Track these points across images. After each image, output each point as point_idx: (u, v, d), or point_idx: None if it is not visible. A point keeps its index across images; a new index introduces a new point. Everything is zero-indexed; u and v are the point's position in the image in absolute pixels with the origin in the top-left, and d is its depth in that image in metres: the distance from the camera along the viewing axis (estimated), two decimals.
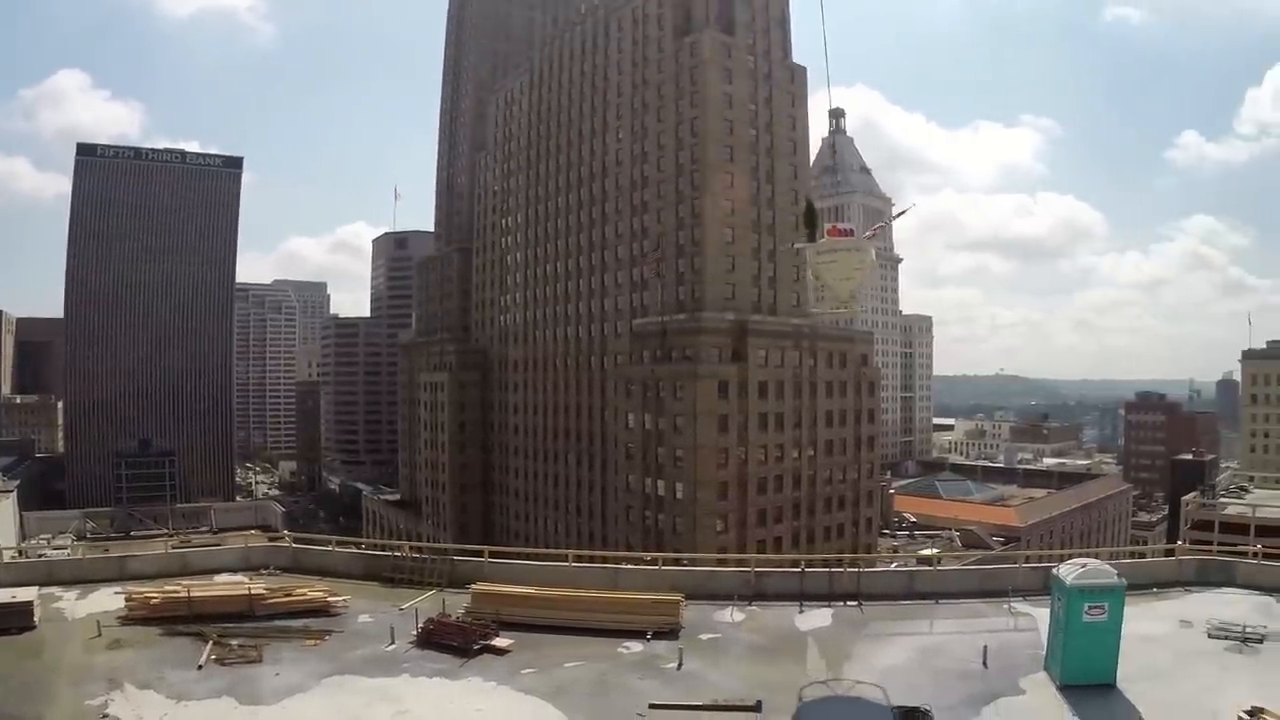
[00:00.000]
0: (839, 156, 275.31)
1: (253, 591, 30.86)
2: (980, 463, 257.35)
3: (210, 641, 26.88)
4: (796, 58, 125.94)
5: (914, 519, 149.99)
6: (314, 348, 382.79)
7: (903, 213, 38.96)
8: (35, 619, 29.13)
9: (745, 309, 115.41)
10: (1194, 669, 25.71)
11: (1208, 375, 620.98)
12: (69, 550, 51.04)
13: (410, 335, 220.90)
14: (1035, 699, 23.33)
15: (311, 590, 31.51)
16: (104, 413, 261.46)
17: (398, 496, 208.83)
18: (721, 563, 58.14)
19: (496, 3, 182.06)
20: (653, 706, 22.46)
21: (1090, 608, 23.99)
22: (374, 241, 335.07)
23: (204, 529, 73.20)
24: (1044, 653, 25.99)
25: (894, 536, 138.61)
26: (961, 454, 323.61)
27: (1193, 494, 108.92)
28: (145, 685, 23.63)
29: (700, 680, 24.50)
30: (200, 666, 25.18)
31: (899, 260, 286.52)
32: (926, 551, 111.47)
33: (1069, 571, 24.81)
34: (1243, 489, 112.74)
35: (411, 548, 36.49)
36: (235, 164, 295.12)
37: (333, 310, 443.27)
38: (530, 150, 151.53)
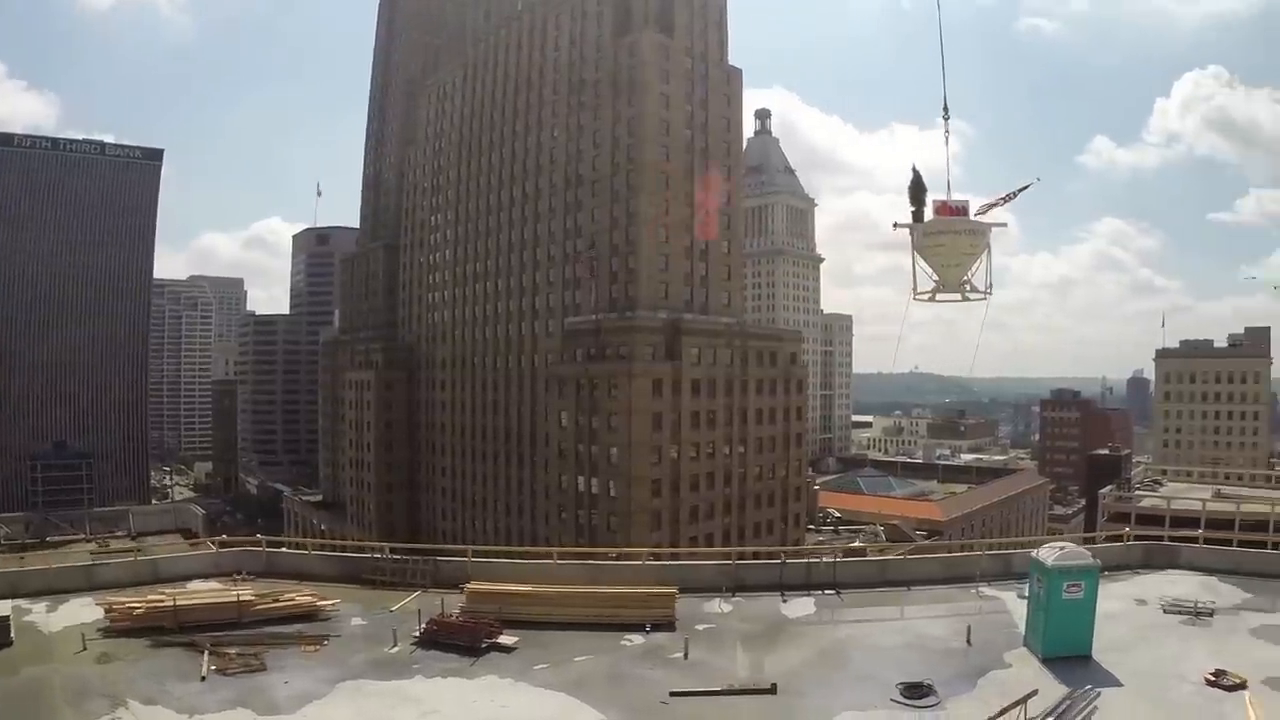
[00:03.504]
0: (765, 157, 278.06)
1: (241, 598, 30.21)
2: (900, 459, 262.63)
3: (205, 651, 26.18)
4: (731, 59, 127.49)
5: (838, 514, 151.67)
6: (231, 345, 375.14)
7: (1025, 188, 35.20)
8: (10, 634, 27.69)
9: (678, 308, 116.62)
10: (1157, 640, 27.80)
11: (1119, 373, 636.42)
12: None
13: (332, 333, 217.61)
14: (1022, 671, 24.71)
15: (299, 595, 31.07)
16: (14, 412, 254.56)
17: (320, 497, 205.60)
18: (691, 555, 59.07)
19: None
20: (674, 694, 23.04)
21: (1069, 586, 25.71)
22: (294, 237, 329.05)
23: (121, 534, 70.70)
24: (1019, 631, 27.67)
25: (819, 532, 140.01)
26: (880, 450, 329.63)
27: (1109, 487, 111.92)
28: (150, 700, 22.99)
29: (709, 668, 25.16)
30: (203, 678, 24.54)
31: (820, 260, 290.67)
32: (854, 545, 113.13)
33: (1049, 554, 26.47)
34: (1157, 482, 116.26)
35: (392, 549, 36.21)
36: (155, 156, 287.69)
37: (249, 307, 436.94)
38: (462, 146, 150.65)
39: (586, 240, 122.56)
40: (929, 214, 34.23)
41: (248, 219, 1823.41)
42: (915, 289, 33.70)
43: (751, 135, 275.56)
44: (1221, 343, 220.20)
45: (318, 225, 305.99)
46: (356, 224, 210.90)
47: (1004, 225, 34.59)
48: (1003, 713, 19.95)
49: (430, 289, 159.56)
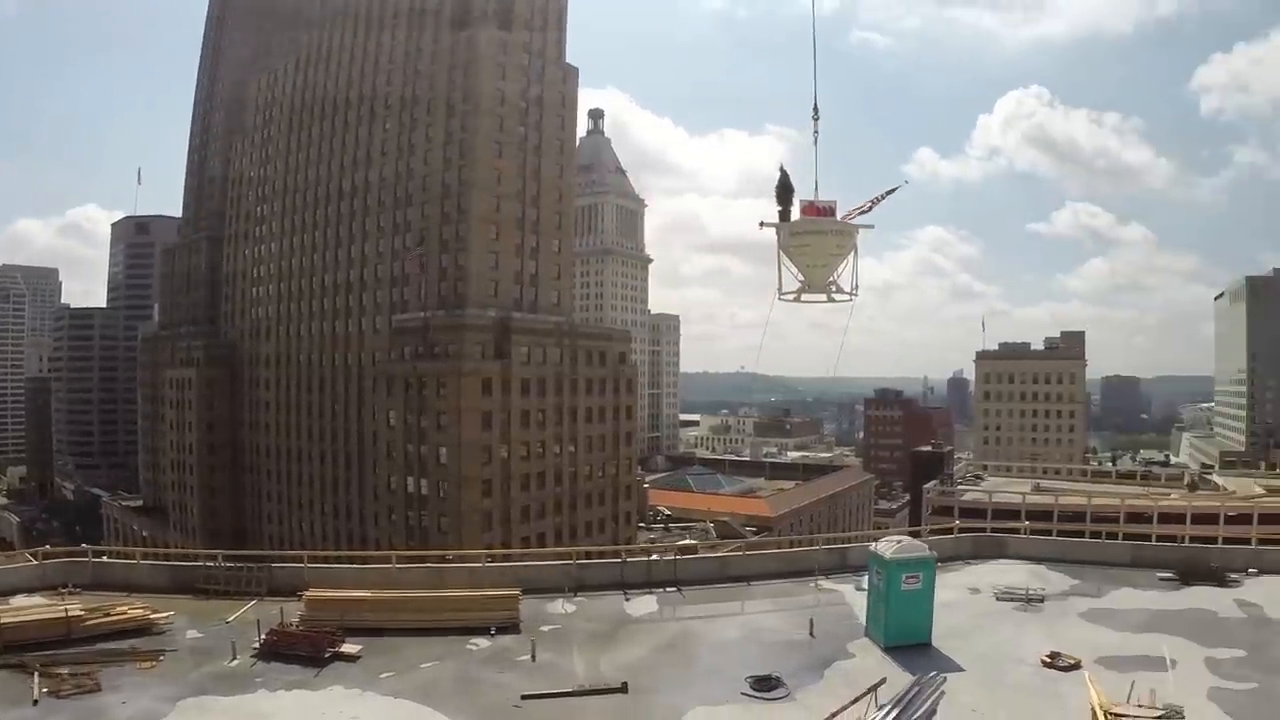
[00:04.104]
0: (597, 156, 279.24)
1: (70, 613, 28.15)
2: (728, 457, 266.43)
3: (35, 672, 24.29)
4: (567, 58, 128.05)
5: (669, 512, 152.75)
6: (44, 340, 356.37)
7: (893, 192, 33.92)
8: None
9: (508, 306, 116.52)
10: (993, 626, 29.09)
11: (940, 373, 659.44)
12: None
13: (152, 328, 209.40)
14: (866, 660, 25.44)
15: (131, 608, 29.22)
16: None
17: (140, 502, 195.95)
18: (528, 555, 58.36)
19: None
20: (525, 697, 22.73)
21: (908, 577, 26.65)
22: (113, 226, 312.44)
23: None
24: (860, 621, 28.44)
25: (650, 530, 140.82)
26: (708, 449, 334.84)
27: (933, 482, 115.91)
28: None
29: (558, 669, 24.98)
30: (35, 701, 22.82)
31: (649, 260, 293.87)
32: (686, 542, 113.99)
33: (887, 547, 27.43)
34: (978, 477, 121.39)
35: (225, 556, 34.69)
36: None
37: (64, 300, 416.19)
38: (292, 136, 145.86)
39: (416, 236, 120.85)
40: (795, 214, 32.87)
41: (63, 205, 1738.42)
42: (780, 289, 33.18)
43: (584, 134, 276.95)
44: (1039, 345, 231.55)
45: (138, 214, 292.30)
46: (179, 213, 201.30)
47: (871, 227, 33.73)
48: (854, 701, 20.29)
49: (255, 283, 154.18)
